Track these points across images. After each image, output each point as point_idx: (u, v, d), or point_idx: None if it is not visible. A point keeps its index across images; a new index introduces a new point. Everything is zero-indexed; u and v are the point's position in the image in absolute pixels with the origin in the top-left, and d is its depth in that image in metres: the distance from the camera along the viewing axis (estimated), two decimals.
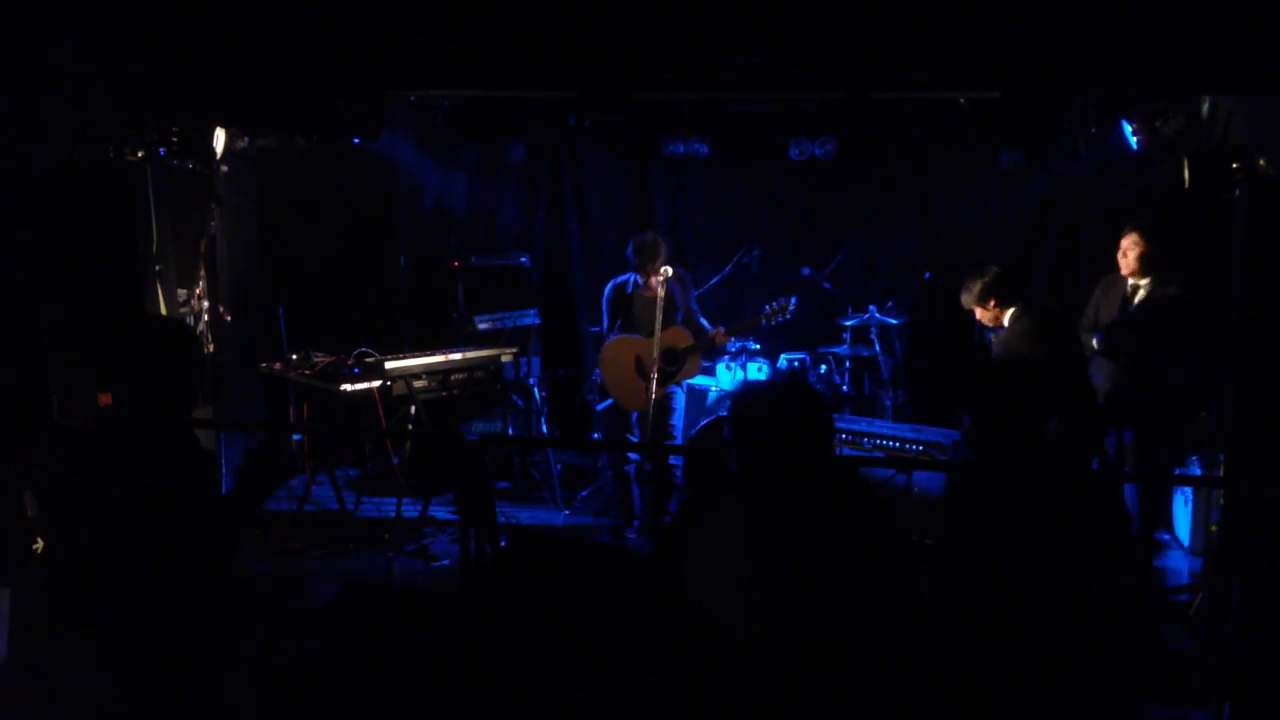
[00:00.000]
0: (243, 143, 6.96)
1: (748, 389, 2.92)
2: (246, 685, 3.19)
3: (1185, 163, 4.55)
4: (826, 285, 7.56)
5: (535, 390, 7.49)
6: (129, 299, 5.55)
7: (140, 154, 5.63)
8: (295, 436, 7.25)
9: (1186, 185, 4.54)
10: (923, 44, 4.18)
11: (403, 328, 8.08)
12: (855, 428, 6.52)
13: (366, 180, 7.94)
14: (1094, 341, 5.65)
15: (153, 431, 2.99)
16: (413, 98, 7.14)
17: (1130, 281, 5.53)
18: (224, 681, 3.08)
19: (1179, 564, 6.28)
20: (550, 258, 8.63)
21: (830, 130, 7.51)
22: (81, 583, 2.97)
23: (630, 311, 6.50)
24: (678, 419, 6.61)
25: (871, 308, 7.19)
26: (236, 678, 3.16)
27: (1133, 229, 5.47)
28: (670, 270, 6.18)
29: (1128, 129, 5.82)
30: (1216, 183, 4.45)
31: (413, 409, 6.58)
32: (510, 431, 7.47)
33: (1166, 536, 6.66)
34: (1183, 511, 6.44)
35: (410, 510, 6.58)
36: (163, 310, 5.85)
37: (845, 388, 7.38)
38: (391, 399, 6.55)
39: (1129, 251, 5.45)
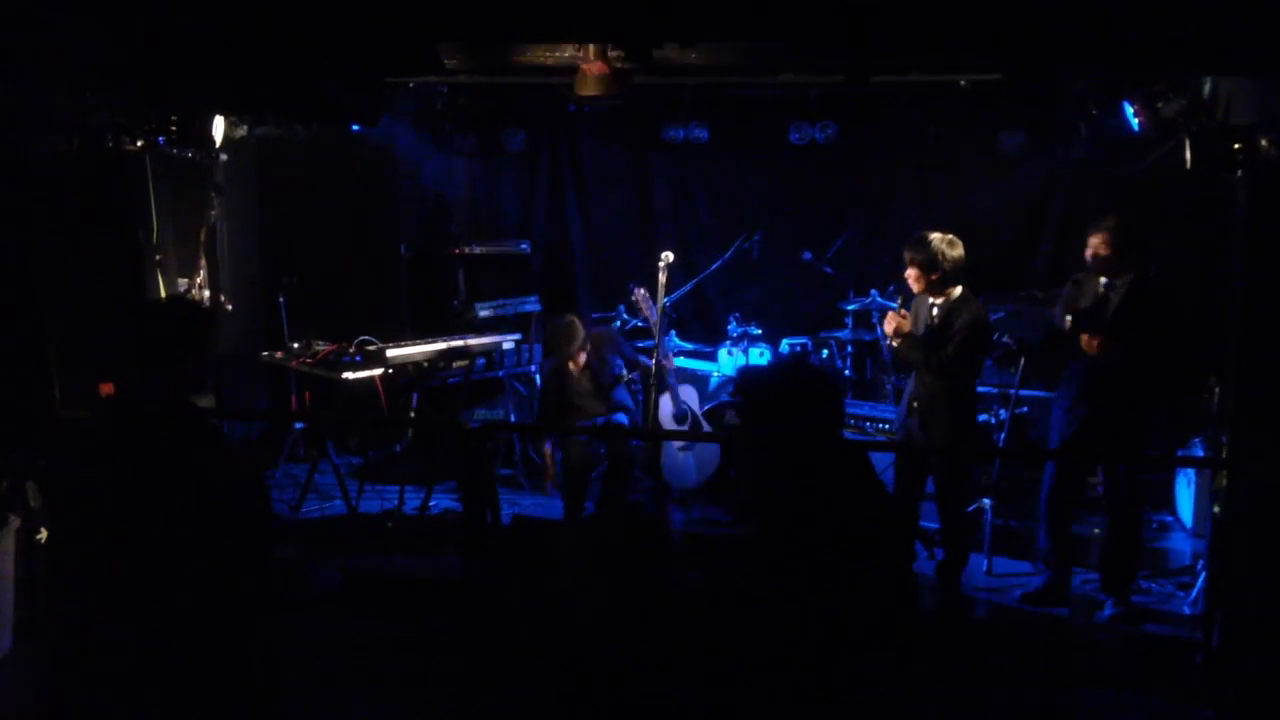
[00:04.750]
0: (242, 131, 6.95)
1: (755, 371, 2.93)
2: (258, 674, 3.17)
3: (1187, 144, 4.52)
4: (828, 270, 7.55)
5: (537, 377, 7.49)
6: (130, 288, 5.55)
7: (139, 143, 5.62)
8: (297, 425, 7.26)
9: (1188, 167, 4.51)
10: (923, 26, 4.16)
11: (404, 315, 8.08)
12: (858, 411, 6.53)
13: (366, 168, 7.93)
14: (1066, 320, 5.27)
15: (161, 412, 3.01)
16: (411, 84, 7.12)
17: (1103, 280, 5.17)
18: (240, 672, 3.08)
19: (1181, 545, 6.29)
20: (551, 244, 8.62)
21: (830, 114, 7.49)
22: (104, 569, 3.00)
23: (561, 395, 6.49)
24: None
25: (873, 292, 7.18)
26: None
27: (1101, 229, 5.11)
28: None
29: (1129, 110, 5.78)
30: (1218, 164, 4.43)
31: (415, 396, 6.59)
32: (512, 418, 7.47)
33: (1169, 518, 6.68)
34: (1185, 493, 6.45)
35: (413, 498, 6.60)
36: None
37: (847, 372, 7.38)
38: (393, 386, 6.55)
39: (1099, 251, 5.10)
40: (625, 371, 6.65)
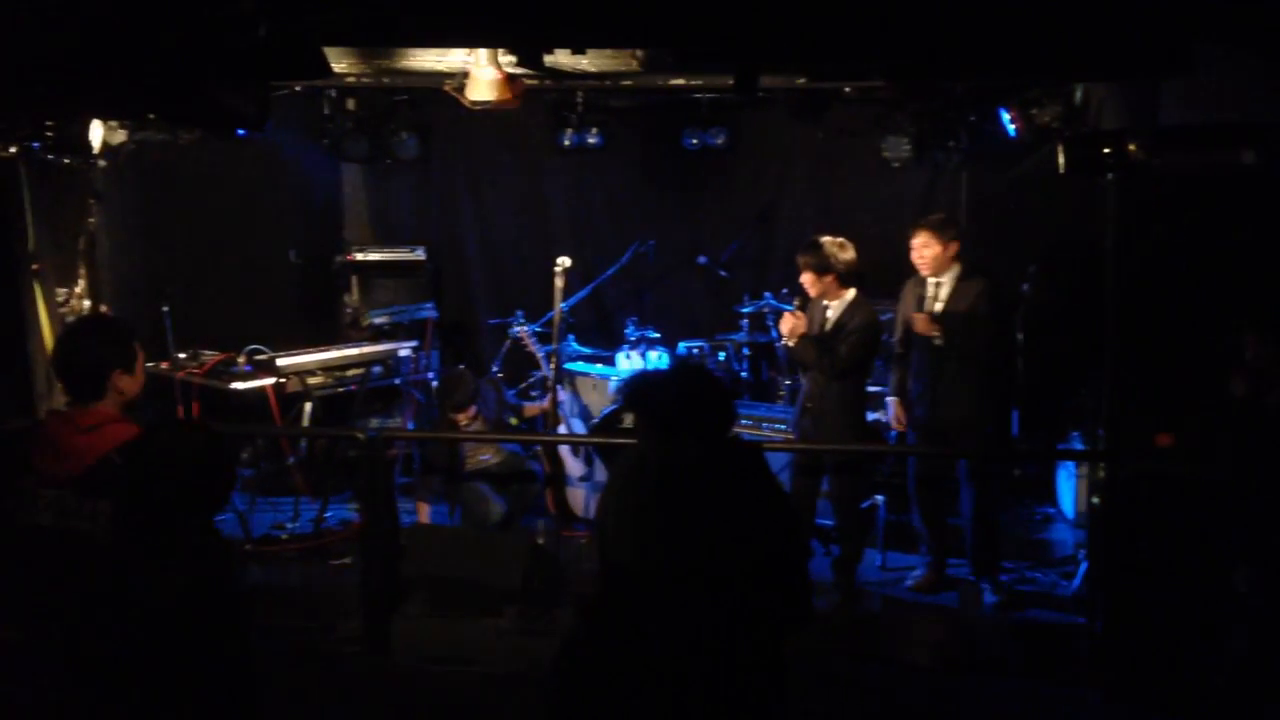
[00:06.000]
0: (122, 136, 6.72)
1: (645, 376, 2.96)
2: None
3: (1060, 149, 4.69)
4: (723, 273, 7.64)
5: (434, 384, 7.41)
6: (5, 298, 5.34)
7: (12, 149, 5.40)
8: None
9: (1061, 171, 4.68)
10: (807, 33, 4.24)
11: (295, 323, 7.91)
12: (754, 413, 6.62)
13: (253, 174, 7.75)
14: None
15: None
16: (299, 88, 6.98)
17: (931, 280, 5.47)
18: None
19: (1064, 535, 6.53)
20: (446, 249, 8.54)
21: (722, 120, 7.59)
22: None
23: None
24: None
25: (767, 295, 7.29)
26: None
27: (921, 229, 5.42)
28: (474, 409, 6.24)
29: (1005, 117, 5.98)
30: (1090, 168, 4.60)
31: (308, 406, 6.47)
32: (410, 426, 7.38)
33: (1051, 510, 6.92)
34: (1066, 485, 6.69)
35: (308, 510, 6.48)
36: (41, 310, 5.63)
37: (744, 374, 7.48)
38: (285, 396, 6.42)
39: (923, 251, 5.39)
40: (509, 417, 6.69)
